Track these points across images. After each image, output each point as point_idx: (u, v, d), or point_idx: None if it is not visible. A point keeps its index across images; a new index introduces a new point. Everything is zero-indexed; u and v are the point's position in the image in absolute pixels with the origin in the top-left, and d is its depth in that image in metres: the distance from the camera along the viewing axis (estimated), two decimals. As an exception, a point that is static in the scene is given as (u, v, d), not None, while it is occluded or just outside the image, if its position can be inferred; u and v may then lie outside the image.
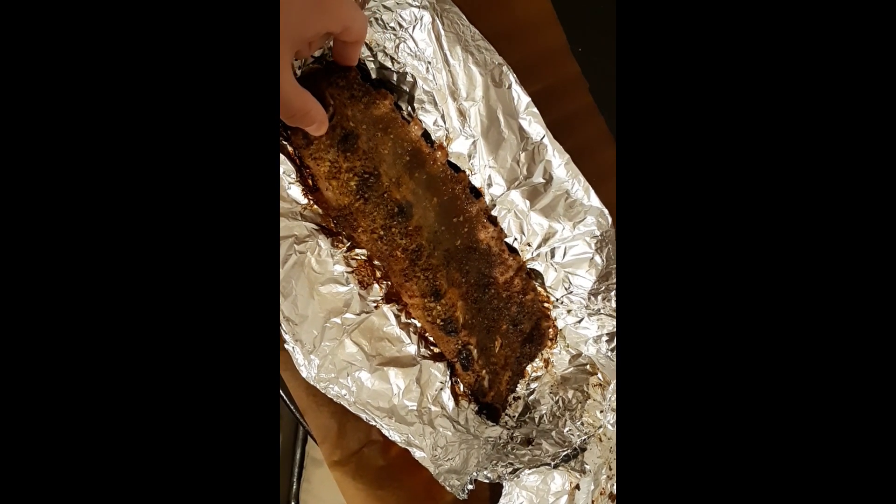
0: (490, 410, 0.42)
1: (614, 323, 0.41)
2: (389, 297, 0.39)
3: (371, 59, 0.38)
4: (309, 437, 0.41)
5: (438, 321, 0.39)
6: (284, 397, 0.37)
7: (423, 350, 0.39)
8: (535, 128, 0.39)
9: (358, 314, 0.37)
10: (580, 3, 0.45)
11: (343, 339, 0.36)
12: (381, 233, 0.37)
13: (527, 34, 0.43)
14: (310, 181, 0.37)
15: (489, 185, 0.41)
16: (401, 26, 0.37)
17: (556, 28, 0.44)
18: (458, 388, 0.41)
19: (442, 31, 0.37)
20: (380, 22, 0.37)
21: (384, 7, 0.36)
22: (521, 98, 0.38)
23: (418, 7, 0.37)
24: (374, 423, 0.35)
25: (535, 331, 0.42)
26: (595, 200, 0.40)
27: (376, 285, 0.38)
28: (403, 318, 0.39)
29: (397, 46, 0.37)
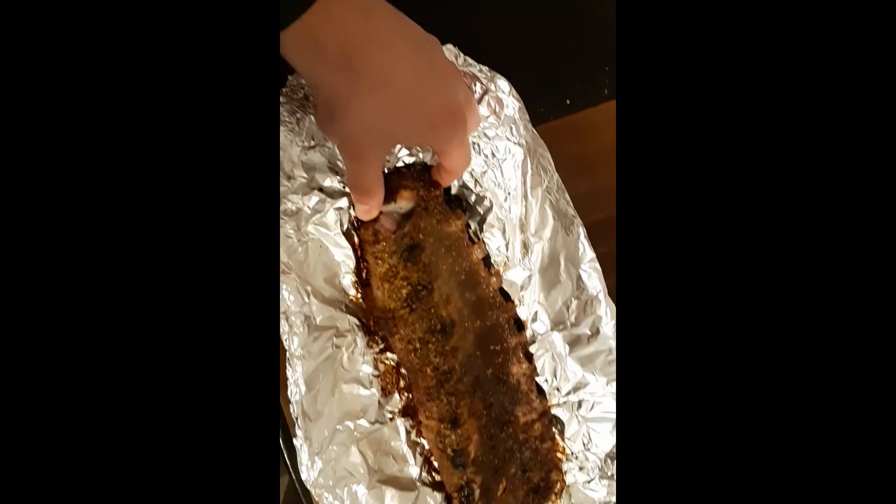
0: (476, 558, 0.40)
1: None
2: (406, 411, 0.39)
3: (456, 176, 0.40)
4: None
5: (449, 450, 0.38)
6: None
7: (424, 475, 0.38)
8: (594, 282, 0.40)
9: (372, 423, 0.37)
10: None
11: (350, 446, 0.36)
12: (418, 346, 0.38)
13: (596, 165, 0.46)
14: (364, 275, 0.38)
15: (533, 320, 0.41)
16: (494, 155, 0.39)
17: None
18: (450, 526, 0.39)
19: (529, 170, 0.40)
20: (476, 146, 0.39)
21: (484, 134, 0.39)
22: (587, 251, 0.40)
23: (515, 143, 0.39)
24: None
25: (542, 482, 0.41)
26: (636, 367, 0.40)
27: (397, 395, 0.38)
28: (413, 436, 0.39)
29: (484, 173, 0.40)
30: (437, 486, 0.39)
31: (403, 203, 0.37)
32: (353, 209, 0.38)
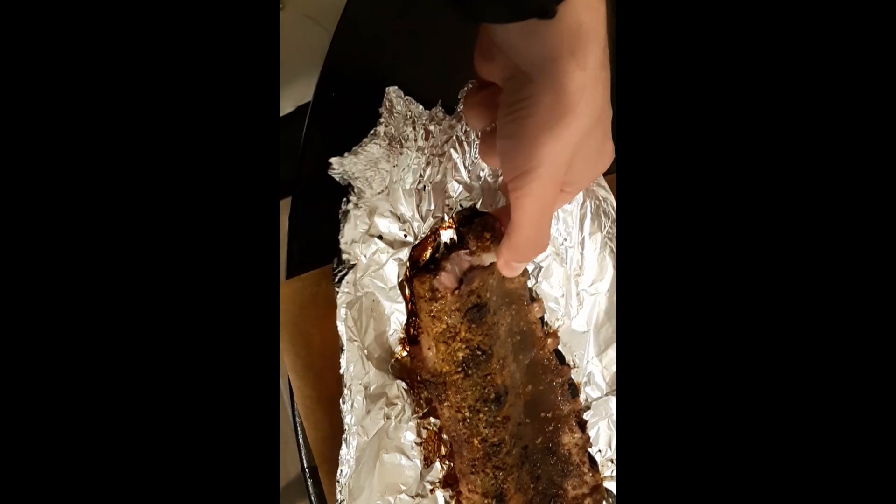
0: None
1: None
2: (447, 480, 0.36)
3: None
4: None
5: (492, 528, 0.36)
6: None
7: (463, 551, 0.36)
8: (660, 346, 0.38)
9: (413, 497, 0.34)
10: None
11: (389, 523, 0.33)
12: (468, 415, 0.35)
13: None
14: (412, 331, 0.36)
15: (587, 384, 0.39)
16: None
17: None
18: None
19: (588, 214, 0.38)
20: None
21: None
22: (655, 311, 0.38)
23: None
24: None
25: (590, 562, 0.39)
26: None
27: (438, 464, 0.36)
28: (452, 507, 0.36)
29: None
30: (476, 564, 0.36)
31: (486, 256, 0.35)
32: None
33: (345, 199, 0.34)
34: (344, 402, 0.33)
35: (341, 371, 0.32)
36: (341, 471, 0.32)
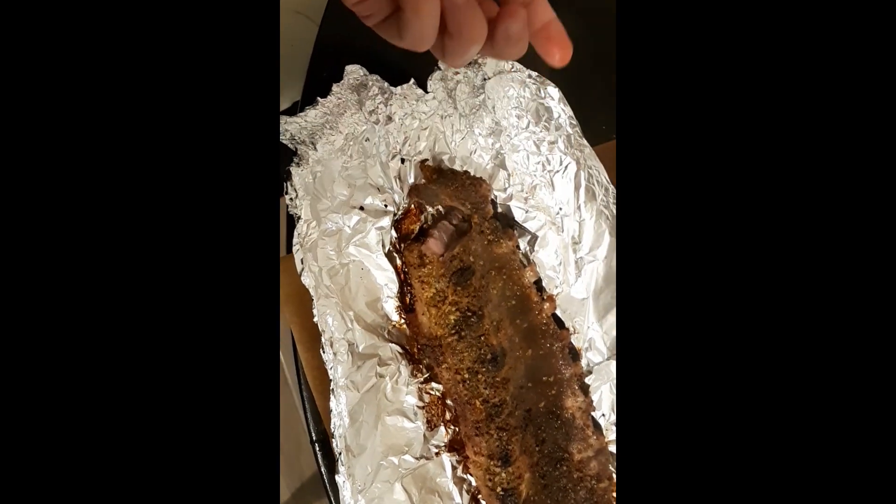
0: None
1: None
2: (453, 445, 0.38)
3: (502, 190, 0.40)
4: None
5: (498, 490, 0.37)
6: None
7: (471, 515, 0.38)
8: (658, 307, 0.39)
9: (417, 458, 0.36)
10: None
11: (394, 483, 0.35)
12: (466, 376, 0.37)
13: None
14: (408, 299, 0.38)
15: (588, 349, 0.40)
16: (545, 168, 0.39)
17: None
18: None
19: (583, 183, 0.40)
20: (526, 153, 0.39)
21: (535, 144, 0.39)
22: (650, 272, 0.39)
23: (566, 154, 0.39)
24: None
25: (599, 526, 0.40)
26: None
27: (443, 428, 0.38)
28: (460, 472, 0.38)
29: (535, 187, 0.39)
30: (485, 527, 0.38)
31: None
32: (394, 229, 0.38)
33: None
34: (324, 352, 0.35)
35: (315, 320, 0.35)
36: (334, 423, 0.34)
